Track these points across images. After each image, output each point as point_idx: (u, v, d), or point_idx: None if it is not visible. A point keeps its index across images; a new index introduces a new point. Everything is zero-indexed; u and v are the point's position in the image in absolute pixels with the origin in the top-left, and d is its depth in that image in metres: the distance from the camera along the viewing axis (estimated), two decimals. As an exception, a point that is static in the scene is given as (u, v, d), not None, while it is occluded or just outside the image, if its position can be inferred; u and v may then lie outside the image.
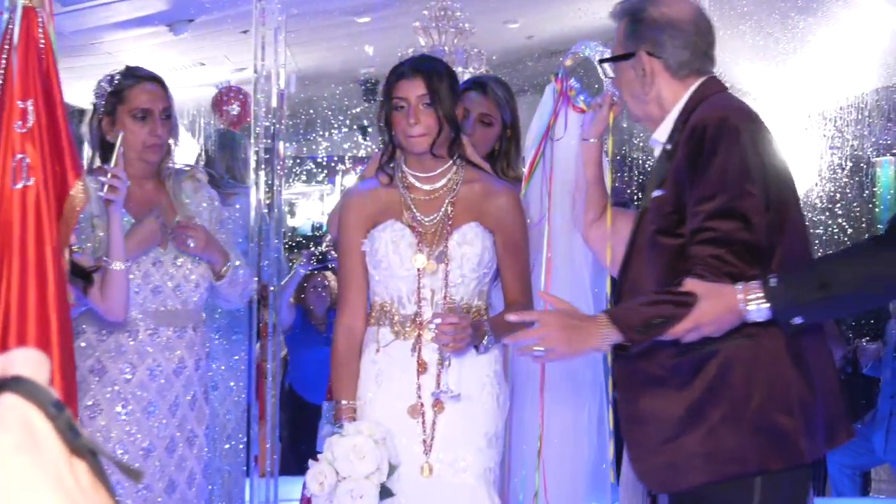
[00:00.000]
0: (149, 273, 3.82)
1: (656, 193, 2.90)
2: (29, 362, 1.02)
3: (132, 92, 3.85)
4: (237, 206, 5.59)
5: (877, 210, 11.13)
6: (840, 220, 9.23)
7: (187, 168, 4.12)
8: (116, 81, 3.87)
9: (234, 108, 7.36)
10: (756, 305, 2.66)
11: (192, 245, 3.79)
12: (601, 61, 3.12)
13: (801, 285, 2.68)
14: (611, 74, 3.09)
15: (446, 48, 7.57)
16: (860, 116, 8.92)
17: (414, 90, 3.54)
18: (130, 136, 3.79)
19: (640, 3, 3.00)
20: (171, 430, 3.83)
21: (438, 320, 3.43)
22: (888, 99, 8.83)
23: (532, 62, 10.34)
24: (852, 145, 9.08)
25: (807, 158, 8.90)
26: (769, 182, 2.77)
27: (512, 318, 2.97)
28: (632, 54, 2.98)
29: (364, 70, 10.58)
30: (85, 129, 3.97)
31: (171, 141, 3.94)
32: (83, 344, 3.74)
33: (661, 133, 2.97)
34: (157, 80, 3.92)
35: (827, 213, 9.15)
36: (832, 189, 9.14)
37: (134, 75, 3.90)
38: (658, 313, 2.72)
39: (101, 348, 3.78)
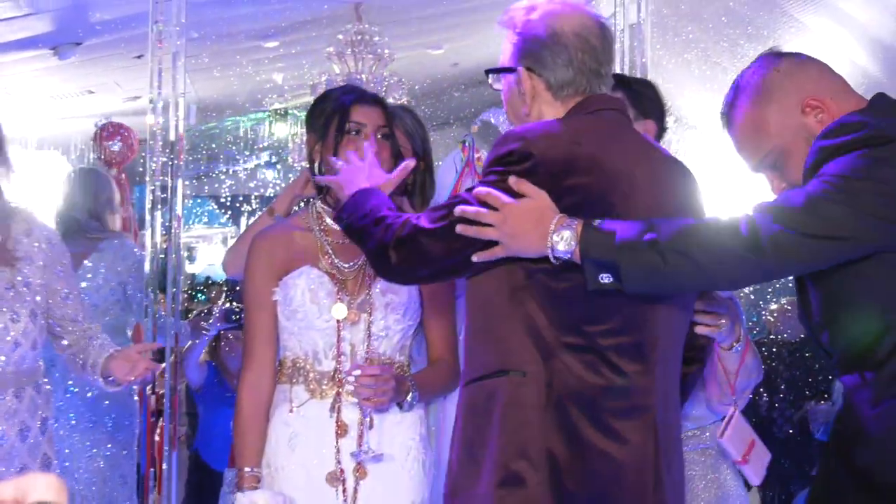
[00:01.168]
0: None
1: None
2: (50, 489, 1.03)
3: None
4: (104, 252, 5.58)
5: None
6: (795, 266, 9.31)
7: (20, 208, 3.89)
8: None
9: (115, 145, 7.30)
10: (563, 236, 2.65)
11: None
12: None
13: (626, 229, 2.65)
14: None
15: (364, 76, 7.55)
16: (816, 152, 9.02)
17: (375, 118, 3.55)
18: None
19: (526, 11, 2.95)
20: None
21: (358, 371, 3.37)
22: (846, 134, 8.94)
23: (458, 92, 10.38)
24: (808, 183, 9.18)
25: (757, 197, 8.98)
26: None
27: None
28: (512, 69, 2.95)
29: (272, 100, 10.56)
30: None
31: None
32: None
33: None
34: None
35: (780, 258, 9.23)
36: (786, 230, 9.21)
37: None
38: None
39: None
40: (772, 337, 7.99)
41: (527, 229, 2.69)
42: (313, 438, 3.48)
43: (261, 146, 11.39)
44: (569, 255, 2.66)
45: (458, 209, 2.76)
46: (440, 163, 4.39)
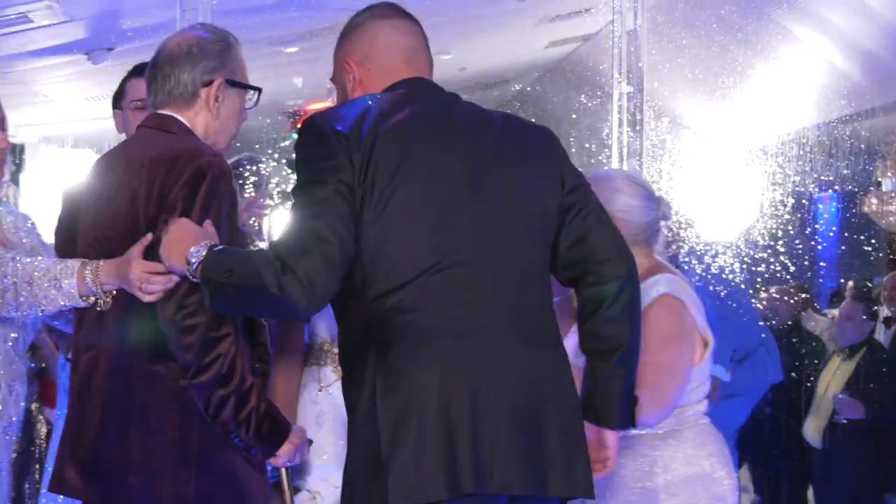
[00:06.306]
0: None
1: None
2: None
3: None
4: None
5: (819, 247, 11.28)
6: (782, 258, 9.35)
7: None
8: None
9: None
10: (198, 247, 2.58)
11: None
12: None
13: (225, 256, 2.57)
14: None
15: (378, 79, 7.58)
16: (801, 152, 9.05)
17: None
18: None
19: None
20: None
21: None
22: (829, 134, 8.99)
23: (466, 95, 10.41)
24: (794, 181, 9.21)
25: (748, 194, 9.02)
26: None
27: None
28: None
29: (292, 101, 10.60)
30: None
31: None
32: None
33: None
34: None
35: (769, 251, 9.27)
36: (774, 226, 9.24)
37: None
38: None
39: None
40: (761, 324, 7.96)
41: (180, 237, 2.65)
42: (340, 418, 3.47)
43: (282, 145, 11.45)
44: (199, 258, 2.57)
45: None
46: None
